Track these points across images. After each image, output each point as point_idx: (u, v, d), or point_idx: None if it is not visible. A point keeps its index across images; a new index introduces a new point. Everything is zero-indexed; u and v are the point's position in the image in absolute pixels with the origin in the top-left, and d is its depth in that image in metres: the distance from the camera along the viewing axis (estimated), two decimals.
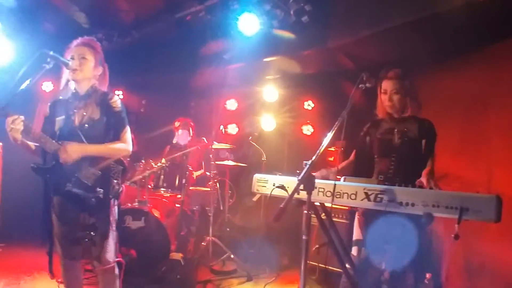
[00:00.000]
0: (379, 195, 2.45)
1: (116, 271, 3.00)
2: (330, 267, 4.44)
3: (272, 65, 5.67)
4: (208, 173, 5.40)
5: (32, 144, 2.73)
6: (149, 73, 6.00)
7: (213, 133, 5.58)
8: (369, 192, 2.49)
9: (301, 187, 2.27)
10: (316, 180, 2.36)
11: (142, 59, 5.58)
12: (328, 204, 2.67)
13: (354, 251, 3.09)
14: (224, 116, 6.68)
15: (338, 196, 2.56)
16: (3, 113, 2.47)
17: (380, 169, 3.12)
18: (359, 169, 3.27)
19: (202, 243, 5.12)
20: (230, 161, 5.56)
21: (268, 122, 6.38)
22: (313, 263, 4.59)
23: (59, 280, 4.24)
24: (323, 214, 2.87)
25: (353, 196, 2.54)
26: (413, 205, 2.32)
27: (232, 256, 5.00)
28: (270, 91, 6.29)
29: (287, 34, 4.68)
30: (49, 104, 2.93)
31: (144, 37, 5.51)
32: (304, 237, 2.31)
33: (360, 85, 2.71)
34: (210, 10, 4.71)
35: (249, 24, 4.51)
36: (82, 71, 2.80)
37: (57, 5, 5.22)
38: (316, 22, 4.51)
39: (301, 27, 4.53)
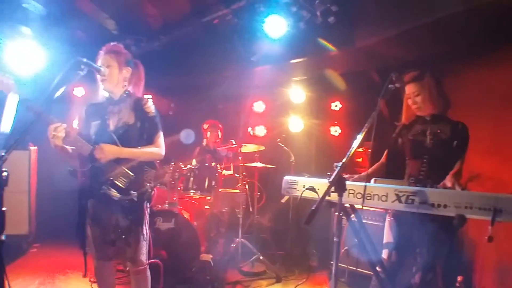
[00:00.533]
0: (411, 197, 2.43)
1: (148, 272, 3.06)
2: (359, 270, 4.41)
3: (299, 66, 5.66)
4: (237, 175, 5.44)
5: (69, 148, 2.81)
6: (177, 76, 6.08)
7: (241, 135, 5.61)
8: (400, 194, 2.47)
9: (332, 189, 2.27)
10: (347, 182, 2.36)
11: (170, 63, 5.65)
12: (358, 206, 2.66)
13: (384, 253, 3.05)
14: (251, 118, 6.72)
15: (368, 198, 2.55)
16: (40, 119, 2.55)
17: (411, 171, 3.08)
18: (391, 171, 3.24)
19: (232, 245, 5.16)
20: (259, 162, 5.58)
21: (295, 124, 6.37)
22: (342, 265, 4.56)
23: (92, 279, 4.38)
24: (353, 215, 2.86)
25: (384, 198, 2.52)
26: (445, 206, 2.29)
27: (261, 257, 5.01)
28: (297, 93, 6.28)
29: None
30: (84, 108, 3.02)
31: (172, 42, 5.57)
32: (335, 239, 2.30)
33: (389, 86, 2.69)
34: (236, 13, 4.71)
35: (276, 26, 4.50)
36: (109, 79, 2.88)
37: (87, 12, 5.35)
38: (342, 23, 4.48)
39: (328, 28, 4.51)
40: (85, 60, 2.60)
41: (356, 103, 6.01)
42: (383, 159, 3.31)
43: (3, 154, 2.01)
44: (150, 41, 5.62)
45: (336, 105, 6.38)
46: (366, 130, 2.49)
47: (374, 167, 3.27)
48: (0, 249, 2.09)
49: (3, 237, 2.08)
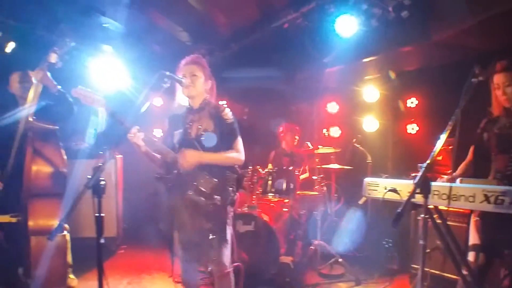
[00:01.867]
0: (500, 197, 2.32)
1: (232, 276, 3.13)
2: (442, 273, 4.20)
3: (372, 64, 5.56)
4: (314, 177, 5.44)
5: (157, 155, 2.98)
6: (250, 81, 6.19)
7: (316, 136, 5.61)
8: (489, 194, 2.37)
9: (417, 190, 2.22)
10: (432, 183, 2.29)
11: (242, 69, 5.78)
12: (443, 207, 2.58)
13: (471, 256, 2.91)
14: (325, 119, 6.68)
15: (454, 199, 2.46)
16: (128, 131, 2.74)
17: (497, 167, 2.91)
18: (477, 168, 3.09)
19: (311, 247, 5.16)
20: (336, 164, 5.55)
21: (370, 123, 6.24)
22: (424, 268, 4.37)
23: (176, 280, 4.57)
24: (436, 215, 2.76)
25: (471, 199, 2.43)
26: None
27: (340, 259, 4.97)
28: (371, 91, 6.15)
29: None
30: (167, 119, 3.19)
31: (243, 48, 5.71)
32: (421, 242, 2.25)
33: (472, 80, 2.57)
34: (306, 16, 4.73)
35: (347, 25, 4.46)
36: (195, 87, 3.00)
37: (162, 27, 5.63)
38: (416, 16, 4.33)
39: (401, 23, 4.38)
40: (168, 73, 2.74)
41: (433, 99, 5.75)
42: (469, 156, 3.15)
43: (100, 164, 2.18)
44: (223, 50, 5.80)
45: (412, 102, 6.15)
46: (450, 128, 2.40)
47: (461, 167, 3.12)
48: (100, 251, 2.27)
49: (102, 240, 2.25)
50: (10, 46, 4.84)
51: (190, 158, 2.89)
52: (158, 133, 6.41)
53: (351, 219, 5.67)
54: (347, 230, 5.69)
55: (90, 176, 2.15)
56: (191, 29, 5.68)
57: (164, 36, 5.74)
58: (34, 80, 3.66)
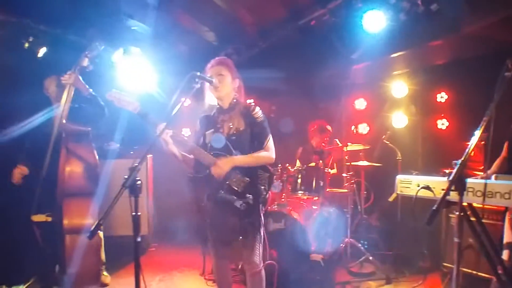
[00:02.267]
0: None
1: (263, 273, 3.16)
2: (474, 272, 4.10)
3: (400, 59, 5.48)
4: (344, 175, 5.41)
5: (190, 156, 3.03)
6: (277, 79, 6.18)
7: (344, 133, 5.57)
8: None
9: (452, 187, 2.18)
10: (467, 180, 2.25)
11: (269, 67, 5.79)
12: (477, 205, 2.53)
13: (504, 255, 2.85)
14: (353, 115, 6.63)
15: (490, 196, 2.42)
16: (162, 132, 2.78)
17: None
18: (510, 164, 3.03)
19: (341, 245, 5.13)
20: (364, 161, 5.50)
21: (399, 119, 6.15)
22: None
23: (206, 277, 4.64)
24: (469, 212, 2.71)
25: (506, 196, 2.38)
26: None
27: (370, 257, 4.93)
28: (399, 87, 6.06)
29: None
30: (198, 120, 3.23)
31: (270, 47, 5.71)
32: (456, 240, 2.21)
33: (505, 74, 2.51)
34: (333, 12, 4.69)
35: (375, 21, 4.42)
36: (223, 87, 3.03)
37: (189, 28, 5.69)
38: (446, 9, 4.24)
39: (431, 17, 4.30)
40: (198, 73, 2.77)
41: (463, 93, 5.63)
42: (504, 153, 3.08)
43: (136, 164, 2.22)
44: (249, 48, 5.81)
45: (441, 97, 6.03)
46: (484, 124, 2.35)
47: (496, 164, 3.06)
48: (137, 249, 2.32)
49: (139, 239, 2.30)
50: (42, 51, 4.97)
51: (223, 166, 2.93)
52: (186, 132, 6.50)
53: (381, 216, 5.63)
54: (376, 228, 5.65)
55: (126, 176, 2.19)
56: (217, 29, 5.72)
57: (191, 36, 5.80)
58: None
